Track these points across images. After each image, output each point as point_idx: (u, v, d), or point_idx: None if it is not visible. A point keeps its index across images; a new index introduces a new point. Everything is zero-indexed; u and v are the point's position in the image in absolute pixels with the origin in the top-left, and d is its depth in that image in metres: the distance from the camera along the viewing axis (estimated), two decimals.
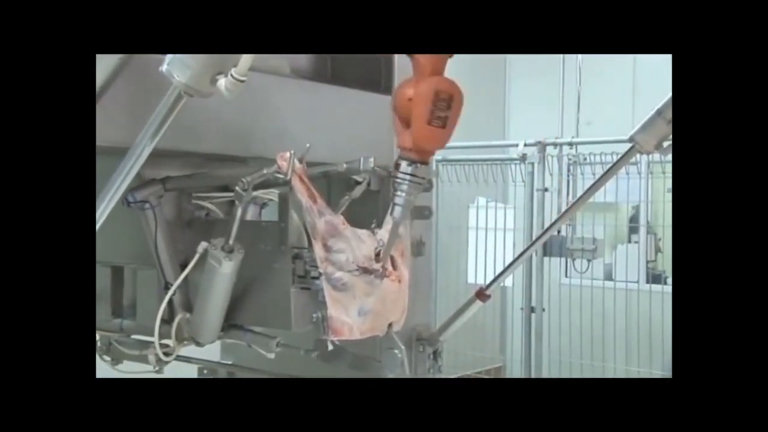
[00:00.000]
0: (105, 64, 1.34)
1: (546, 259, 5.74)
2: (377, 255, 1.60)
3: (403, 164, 1.58)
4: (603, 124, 6.05)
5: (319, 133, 1.82)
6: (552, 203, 5.69)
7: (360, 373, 1.80)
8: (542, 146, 5.71)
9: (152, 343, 1.76)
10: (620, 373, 5.78)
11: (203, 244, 1.63)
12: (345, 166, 1.63)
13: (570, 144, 5.82)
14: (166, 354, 1.78)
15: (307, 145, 1.54)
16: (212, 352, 2.11)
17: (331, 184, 1.91)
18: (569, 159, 5.83)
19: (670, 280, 6.18)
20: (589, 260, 5.66)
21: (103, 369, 1.94)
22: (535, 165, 5.71)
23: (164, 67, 1.31)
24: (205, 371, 2.27)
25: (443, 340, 2.01)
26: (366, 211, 1.71)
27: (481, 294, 2.01)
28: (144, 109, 1.38)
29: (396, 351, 1.81)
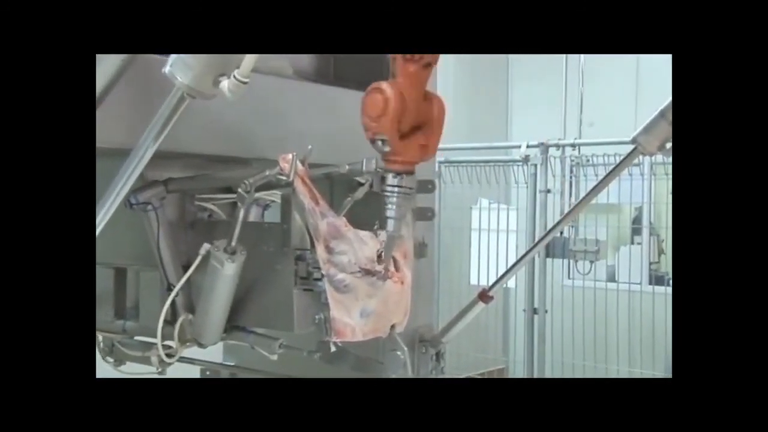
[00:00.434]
0: (107, 65, 1.34)
1: (549, 260, 5.74)
2: (379, 257, 1.60)
3: (389, 177, 1.57)
4: (605, 126, 6.05)
5: (321, 134, 1.82)
6: (554, 205, 5.69)
7: (362, 375, 1.80)
8: (545, 147, 5.71)
9: (155, 344, 1.76)
10: (623, 375, 5.77)
11: (206, 246, 1.63)
12: (347, 167, 1.63)
13: (573, 145, 5.82)
14: (168, 355, 1.78)
15: (309, 146, 1.54)
16: (215, 353, 2.11)
17: (334, 185, 1.91)
18: (572, 160, 5.83)
19: None
20: (591, 262, 5.67)
21: (107, 370, 1.95)
22: (538, 166, 5.71)
23: (167, 69, 1.31)
24: (208, 372, 2.27)
25: (446, 342, 2.01)
26: (368, 213, 1.71)
27: (484, 295, 2.01)
28: (146, 110, 1.38)
29: (399, 352, 1.81)
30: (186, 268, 1.71)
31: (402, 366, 1.82)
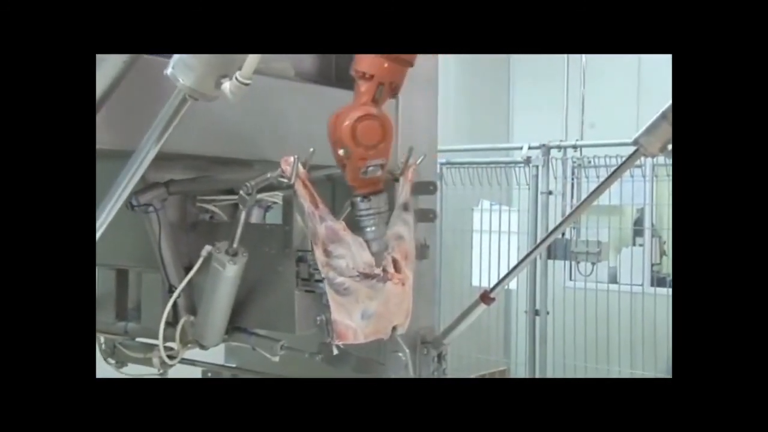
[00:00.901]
0: (109, 66, 1.34)
1: (550, 262, 5.74)
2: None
3: (358, 201, 1.56)
4: (607, 127, 6.05)
5: (323, 135, 1.82)
6: (556, 206, 5.69)
7: (364, 377, 1.80)
8: (546, 149, 5.71)
9: (156, 345, 1.76)
10: (625, 376, 5.77)
11: (207, 248, 1.63)
12: None
13: (574, 147, 5.82)
14: (170, 357, 1.78)
15: (311, 149, 1.54)
16: (216, 355, 2.11)
17: (336, 187, 1.91)
18: (573, 162, 5.83)
19: None
20: (593, 263, 5.67)
21: (108, 372, 1.95)
22: (540, 168, 5.71)
23: (169, 71, 1.31)
24: (209, 374, 2.27)
25: (447, 343, 2.01)
26: None
27: (486, 297, 2.01)
28: (148, 112, 1.38)
29: (400, 354, 1.81)
30: (187, 270, 1.71)
31: (403, 367, 1.82)
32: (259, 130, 1.73)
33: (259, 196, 1.61)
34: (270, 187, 1.59)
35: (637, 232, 6.43)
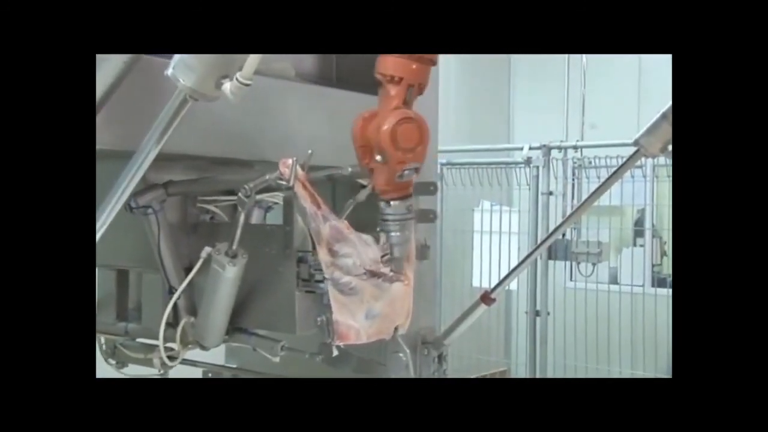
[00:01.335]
0: (110, 66, 1.35)
1: (551, 262, 5.74)
2: (383, 256, 1.60)
3: (385, 206, 1.57)
4: (608, 128, 6.05)
5: (324, 136, 1.82)
6: (557, 207, 5.69)
7: (365, 377, 1.80)
8: (547, 149, 5.72)
9: (157, 346, 1.76)
10: (625, 377, 5.76)
11: (207, 249, 1.63)
12: (350, 169, 1.63)
13: (575, 147, 5.81)
14: (170, 358, 1.78)
15: (309, 151, 1.53)
16: (217, 355, 2.11)
17: (336, 187, 1.91)
18: (574, 162, 5.83)
19: None
20: (594, 264, 5.66)
21: (109, 372, 1.95)
22: (540, 168, 5.71)
23: (169, 71, 1.31)
24: (210, 374, 2.27)
25: (448, 344, 2.01)
26: (371, 215, 1.71)
27: (486, 297, 2.01)
28: (148, 112, 1.38)
29: (401, 355, 1.81)
30: (188, 271, 1.71)
31: (404, 368, 1.82)
32: (259, 131, 1.73)
33: (260, 196, 1.61)
34: (270, 188, 1.59)
35: (638, 232, 6.43)
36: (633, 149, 1.94)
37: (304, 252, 1.62)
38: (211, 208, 1.84)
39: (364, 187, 1.68)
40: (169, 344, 1.76)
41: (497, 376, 6.69)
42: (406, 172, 1.50)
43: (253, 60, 1.29)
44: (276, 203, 1.84)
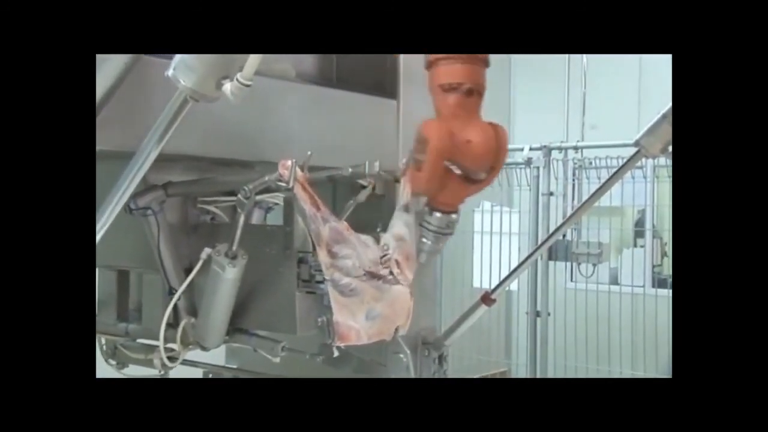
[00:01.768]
0: (111, 66, 1.35)
1: (551, 263, 5.74)
2: (382, 256, 1.60)
3: (432, 214, 1.60)
4: (608, 128, 6.04)
5: (324, 137, 1.82)
6: (557, 207, 5.69)
7: (365, 377, 1.80)
8: (547, 150, 5.71)
9: (157, 347, 1.76)
10: (626, 378, 5.76)
11: (207, 251, 1.63)
12: (350, 170, 1.63)
13: (575, 148, 5.81)
14: (171, 358, 1.78)
15: (309, 152, 1.53)
16: (217, 356, 2.11)
17: (336, 187, 1.91)
18: (574, 163, 5.82)
19: None
20: (594, 264, 5.66)
21: (109, 373, 1.95)
22: (541, 169, 5.71)
23: (170, 72, 1.31)
24: (210, 375, 2.27)
25: (448, 345, 2.01)
26: (370, 216, 1.71)
27: (487, 298, 2.01)
28: (148, 113, 1.38)
29: (401, 355, 1.81)
30: (188, 271, 1.71)
31: (405, 369, 1.82)
32: (260, 131, 1.73)
33: (260, 197, 1.61)
34: (270, 189, 1.59)
35: (638, 233, 6.43)
36: (633, 150, 1.94)
37: (304, 252, 1.62)
38: (212, 208, 1.84)
39: (364, 187, 1.68)
40: (169, 345, 1.76)
41: (498, 377, 6.69)
42: (482, 174, 1.52)
43: (253, 60, 1.29)
44: (276, 204, 1.84)
